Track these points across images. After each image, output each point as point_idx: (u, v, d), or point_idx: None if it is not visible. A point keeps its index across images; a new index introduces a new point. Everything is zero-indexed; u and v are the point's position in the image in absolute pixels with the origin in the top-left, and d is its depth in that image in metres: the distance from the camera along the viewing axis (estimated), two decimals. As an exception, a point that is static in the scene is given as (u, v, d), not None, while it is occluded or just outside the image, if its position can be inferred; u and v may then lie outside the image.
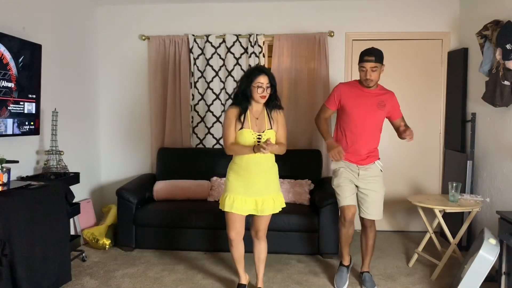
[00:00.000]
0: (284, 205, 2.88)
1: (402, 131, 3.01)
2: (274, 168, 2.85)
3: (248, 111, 2.73)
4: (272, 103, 2.77)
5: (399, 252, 3.88)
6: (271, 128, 2.76)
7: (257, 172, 2.73)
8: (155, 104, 4.54)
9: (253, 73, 2.69)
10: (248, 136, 2.69)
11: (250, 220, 2.95)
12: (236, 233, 2.80)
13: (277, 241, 3.71)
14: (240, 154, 2.74)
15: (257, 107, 2.75)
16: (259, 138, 2.70)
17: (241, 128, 2.70)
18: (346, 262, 3.23)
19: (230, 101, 4.42)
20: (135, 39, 4.61)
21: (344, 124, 3.08)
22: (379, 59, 2.93)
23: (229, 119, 2.74)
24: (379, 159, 3.13)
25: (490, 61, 3.37)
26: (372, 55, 2.92)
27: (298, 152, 4.30)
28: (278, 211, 2.84)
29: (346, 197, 3.04)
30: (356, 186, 3.08)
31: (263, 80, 2.66)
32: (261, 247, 2.93)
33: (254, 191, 2.74)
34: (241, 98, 2.72)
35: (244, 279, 3.00)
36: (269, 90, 2.69)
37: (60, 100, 3.87)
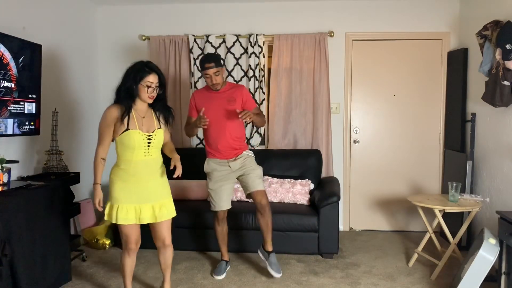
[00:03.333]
0: (175, 214, 2.66)
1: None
2: (163, 170, 2.65)
3: (132, 110, 2.50)
4: (160, 103, 2.59)
5: (399, 252, 3.88)
6: (160, 128, 2.59)
7: (146, 177, 2.53)
8: (155, 104, 4.54)
9: (142, 70, 2.47)
10: (136, 137, 2.47)
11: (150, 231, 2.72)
12: (136, 243, 2.64)
13: (277, 241, 3.70)
14: (94, 172, 2.52)
15: (142, 105, 2.54)
16: (149, 139, 2.51)
17: (127, 129, 2.46)
18: (226, 258, 3.40)
19: (230, 101, 4.44)
20: (135, 39, 4.61)
21: (206, 128, 3.17)
22: (218, 63, 3.08)
23: (105, 121, 2.48)
24: (247, 149, 3.28)
25: (490, 61, 3.37)
26: (211, 62, 3.05)
27: (298, 152, 4.30)
28: (172, 216, 2.65)
29: (219, 204, 3.21)
30: (235, 179, 3.24)
31: (153, 79, 2.47)
32: (169, 253, 2.73)
33: (147, 197, 2.53)
34: (124, 96, 2.47)
35: None
36: (158, 90, 2.52)
37: (60, 100, 3.87)
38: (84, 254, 3.62)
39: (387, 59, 4.47)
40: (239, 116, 2.98)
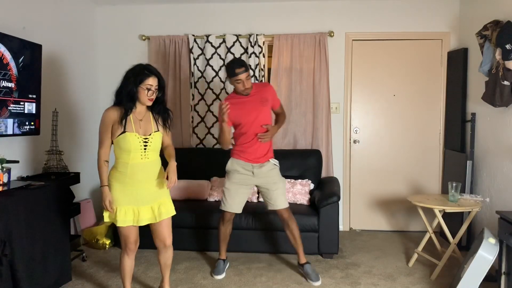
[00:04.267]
0: (175, 212, 2.66)
1: (261, 133, 3.11)
2: (161, 171, 2.64)
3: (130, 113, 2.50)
4: (159, 106, 2.59)
5: (399, 252, 3.88)
6: (158, 131, 2.58)
7: (144, 179, 2.53)
8: (155, 104, 4.54)
9: (141, 73, 2.47)
10: (133, 140, 2.46)
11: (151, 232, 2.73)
12: (136, 243, 2.65)
13: (277, 241, 3.72)
14: (99, 175, 2.50)
15: (140, 108, 2.54)
16: (145, 142, 2.50)
17: (124, 132, 2.46)
18: (223, 257, 3.39)
19: (230, 101, 4.44)
20: (135, 39, 4.61)
21: (241, 132, 3.16)
22: (247, 67, 3.08)
23: (104, 123, 2.48)
24: (273, 156, 3.26)
25: (490, 61, 3.37)
26: (242, 66, 3.04)
27: (298, 152, 4.30)
28: (172, 214, 2.66)
29: (230, 205, 3.19)
30: (253, 186, 3.24)
31: (152, 82, 2.47)
32: (169, 254, 2.73)
33: (146, 198, 2.54)
34: (126, 99, 2.46)
35: None
36: (157, 93, 2.53)
37: (60, 100, 3.88)
38: (84, 254, 3.62)
39: (387, 59, 4.47)
40: (259, 137, 3.06)
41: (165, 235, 2.65)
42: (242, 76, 3.02)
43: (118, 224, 2.54)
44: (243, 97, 3.15)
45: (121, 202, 2.52)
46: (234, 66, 3.03)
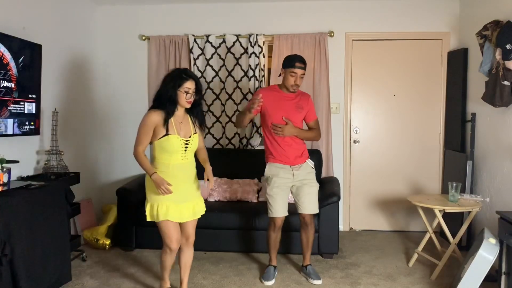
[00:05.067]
0: (204, 212, 2.79)
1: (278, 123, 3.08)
2: (195, 172, 2.77)
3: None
4: (196, 109, 2.70)
5: (399, 252, 3.88)
6: (196, 133, 2.70)
7: (184, 178, 2.65)
8: (155, 104, 4.54)
9: (179, 77, 2.57)
10: (175, 142, 2.58)
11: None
12: (177, 242, 2.70)
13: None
14: (141, 167, 2.62)
15: (179, 111, 2.65)
16: (186, 144, 2.62)
17: (167, 134, 2.57)
18: (274, 263, 3.32)
19: (230, 101, 4.44)
20: (135, 39, 4.61)
21: (268, 129, 3.14)
22: (306, 66, 3.08)
23: (147, 125, 2.58)
24: (308, 157, 3.23)
25: (490, 61, 3.37)
26: (303, 63, 3.05)
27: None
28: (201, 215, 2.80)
29: (277, 210, 3.13)
30: (291, 188, 3.19)
31: (190, 85, 2.57)
32: (190, 253, 2.83)
33: (186, 196, 2.66)
34: (168, 103, 2.57)
35: (169, 283, 2.93)
36: (195, 96, 2.63)
37: (60, 100, 3.87)
38: (84, 254, 3.62)
39: (387, 59, 4.47)
40: (272, 127, 3.05)
41: (190, 232, 2.77)
42: (298, 71, 3.01)
43: (160, 219, 2.61)
44: (283, 93, 3.13)
45: (166, 198, 2.59)
46: (296, 59, 3.04)
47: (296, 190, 3.17)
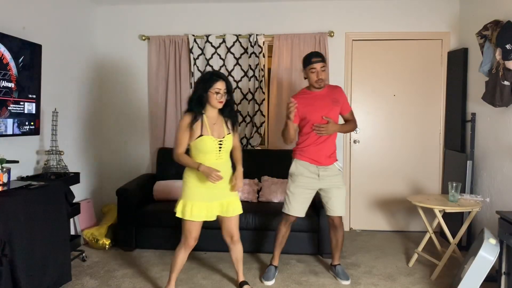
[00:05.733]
0: (241, 211, 2.87)
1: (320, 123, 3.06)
2: (231, 171, 2.83)
3: (204, 117, 2.70)
4: (228, 109, 2.77)
5: (399, 252, 3.88)
6: (229, 133, 2.78)
7: None
8: (155, 104, 4.55)
9: (210, 78, 2.67)
10: (209, 142, 2.67)
11: (219, 226, 2.93)
12: (195, 239, 2.79)
13: (277, 241, 3.72)
14: (186, 166, 2.72)
15: (213, 112, 2.74)
16: (220, 144, 2.70)
17: (201, 135, 2.67)
18: (276, 263, 3.30)
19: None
20: (135, 39, 4.61)
21: (306, 129, 3.12)
22: (324, 59, 3.07)
23: (181, 128, 2.69)
24: (336, 159, 3.20)
25: (490, 61, 3.37)
26: (319, 56, 3.04)
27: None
28: (241, 212, 2.87)
29: (295, 208, 3.13)
30: (317, 189, 3.16)
31: (220, 86, 2.65)
32: (238, 249, 2.96)
33: (218, 195, 2.75)
34: (195, 104, 2.68)
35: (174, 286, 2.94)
36: (226, 96, 2.70)
37: (60, 100, 3.87)
38: (84, 254, 3.62)
39: (387, 59, 4.47)
40: (314, 128, 3.03)
41: (233, 231, 2.88)
42: (317, 66, 3.00)
43: (192, 219, 2.70)
44: (314, 92, 3.11)
45: (196, 198, 2.71)
46: (311, 55, 3.06)
47: (324, 193, 3.15)
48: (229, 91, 2.72)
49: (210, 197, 2.73)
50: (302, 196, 3.12)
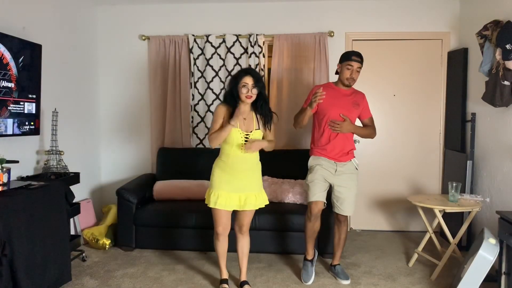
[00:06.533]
0: (267, 202, 2.95)
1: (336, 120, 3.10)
2: (258, 166, 2.94)
3: (236, 110, 2.77)
4: (259, 103, 2.84)
5: (399, 252, 3.88)
6: (259, 129, 2.86)
7: (242, 170, 2.83)
8: (155, 104, 4.54)
9: (239, 74, 2.80)
10: (235, 135, 2.78)
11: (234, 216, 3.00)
12: (223, 228, 2.90)
13: (277, 241, 3.72)
14: (221, 137, 2.78)
15: (244, 107, 2.83)
16: (246, 138, 2.80)
17: None
18: (310, 257, 3.29)
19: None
20: (135, 39, 4.61)
21: (322, 123, 3.14)
22: (362, 62, 3.11)
23: (217, 114, 2.84)
24: (354, 157, 3.23)
25: (490, 61, 3.37)
26: (359, 57, 3.08)
27: (299, 152, 4.30)
28: (259, 207, 2.91)
29: (315, 194, 3.11)
30: (330, 184, 3.17)
31: (248, 80, 2.75)
32: (244, 242, 3.01)
33: (238, 187, 2.83)
34: (229, 98, 2.82)
35: (226, 274, 3.11)
36: (254, 91, 2.76)
37: (60, 100, 3.87)
38: (84, 254, 3.62)
39: (387, 59, 4.47)
40: (330, 124, 3.07)
41: (244, 222, 2.94)
42: (355, 65, 3.05)
43: (216, 207, 2.82)
44: (340, 89, 3.15)
45: (223, 188, 2.82)
46: (353, 53, 3.09)
47: (336, 191, 3.16)
48: (258, 86, 2.78)
49: (229, 188, 2.82)
50: (320, 183, 3.12)
